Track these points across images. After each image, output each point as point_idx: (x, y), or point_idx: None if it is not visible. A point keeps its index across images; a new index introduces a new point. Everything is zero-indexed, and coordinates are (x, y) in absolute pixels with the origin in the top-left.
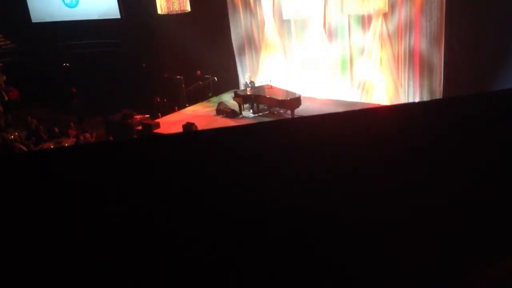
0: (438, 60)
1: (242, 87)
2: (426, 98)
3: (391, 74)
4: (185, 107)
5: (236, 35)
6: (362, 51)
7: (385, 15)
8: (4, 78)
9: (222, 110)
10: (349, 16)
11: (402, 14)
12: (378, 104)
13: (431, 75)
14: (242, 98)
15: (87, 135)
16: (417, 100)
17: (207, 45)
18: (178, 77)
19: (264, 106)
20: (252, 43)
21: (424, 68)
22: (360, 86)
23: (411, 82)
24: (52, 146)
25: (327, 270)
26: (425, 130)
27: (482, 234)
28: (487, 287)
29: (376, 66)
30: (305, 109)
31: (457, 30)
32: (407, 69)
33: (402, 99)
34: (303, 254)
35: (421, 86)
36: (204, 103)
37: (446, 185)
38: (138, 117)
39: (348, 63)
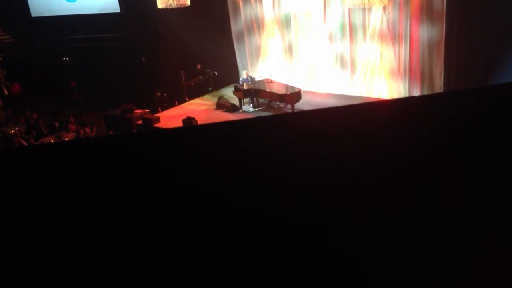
0: (439, 54)
1: (240, 83)
2: (426, 92)
3: (392, 68)
4: (185, 101)
5: (236, 29)
6: (362, 45)
7: (385, 9)
8: (4, 73)
9: (222, 105)
10: (349, 9)
11: (402, 7)
12: (379, 98)
13: (432, 69)
14: (242, 93)
15: (87, 129)
16: (417, 94)
17: (207, 39)
18: (185, 74)
19: (265, 100)
20: (252, 37)
21: (425, 61)
22: (360, 80)
23: (411, 76)
24: (52, 141)
25: (325, 271)
26: (426, 124)
27: (481, 231)
28: (485, 283)
29: (377, 60)
30: (305, 103)
31: (458, 23)
32: (408, 63)
33: (403, 93)
34: (298, 254)
35: (422, 79)
36: (204, 98)
37: (446, 181)
38: (138, 111)
39: (349, 57)
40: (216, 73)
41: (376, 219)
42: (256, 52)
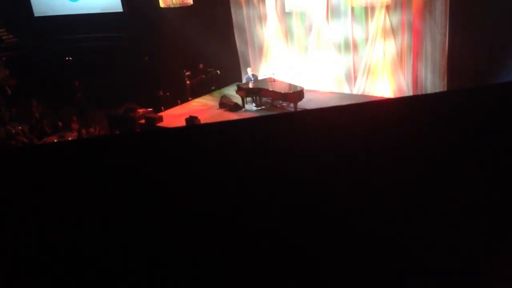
0: (442, 53)
1: (244, 80)
2: (429, 91)
3: (395, 67)
4: (188, 100)
5: (238, 28)
6: (365, 44)
7: (388, 7)
8: (7, 72)
9: (225, 104)
10: (352, 8)
11: (405, 6)
12: (382, 97)
13: (435, 68)
14: (245, 92)
15: (91, 130)
16: (420, 92)
17: (209, 38)
18: (188, 73)
19: (267, 99)
20: (254, 36)
21: (427, 60)
22: (363, 79)
23: (414, 75)
24: (55, 140)
25: (322, 273)
26: (429, 123)
27: (482, 231)
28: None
29: (379, 59)
30: (308, 102)
31: (461, 22)
32: (410, 62)
33: (406, 92)
34: (294, 257)
35: (424, 78)
36: (207, 97)
37: (450, 181)
38: (141, 110)
39: (351, 56)
40: (218, 72)
41: (378, 219)
42: (259, 50)
